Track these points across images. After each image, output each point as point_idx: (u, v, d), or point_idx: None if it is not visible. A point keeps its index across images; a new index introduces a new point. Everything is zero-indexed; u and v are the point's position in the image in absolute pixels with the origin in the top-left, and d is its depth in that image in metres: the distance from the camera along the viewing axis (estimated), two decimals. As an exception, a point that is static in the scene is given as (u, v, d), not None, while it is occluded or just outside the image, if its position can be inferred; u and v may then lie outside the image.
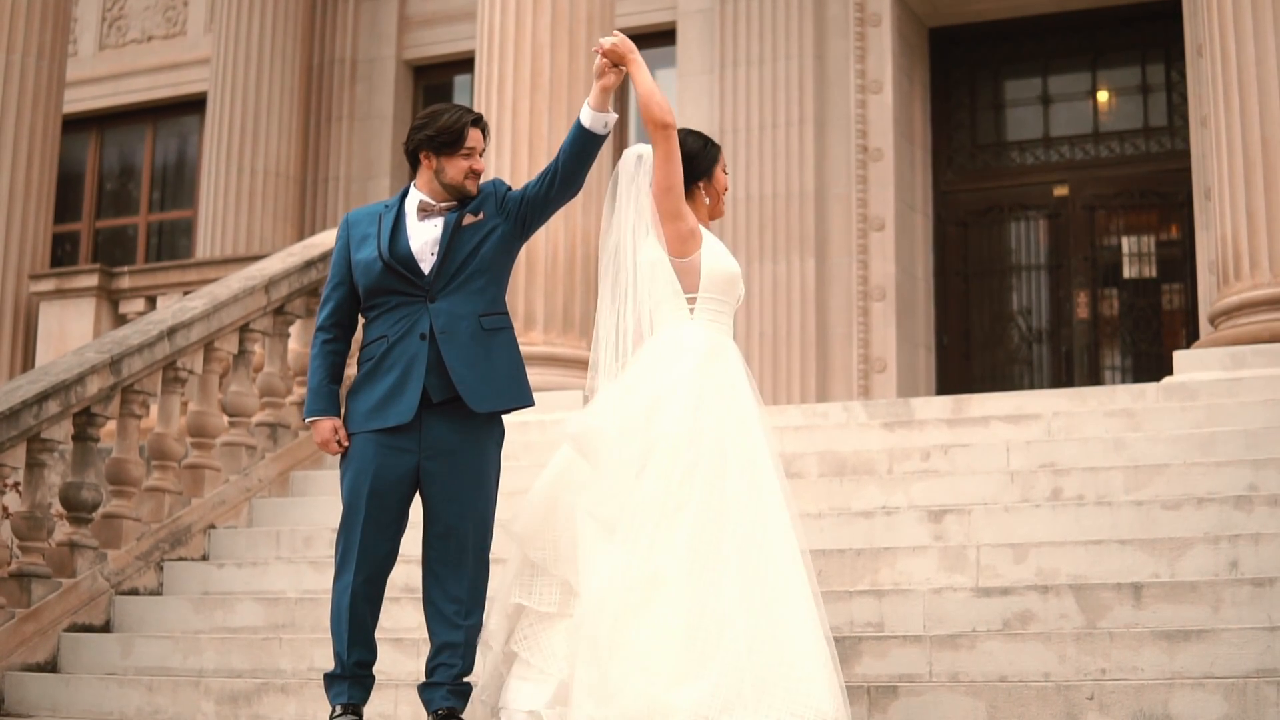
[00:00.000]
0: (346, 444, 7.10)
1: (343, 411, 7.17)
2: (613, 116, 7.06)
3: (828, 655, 6.31)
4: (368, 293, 7.11)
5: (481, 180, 7.23)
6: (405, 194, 7.24)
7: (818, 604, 6.44)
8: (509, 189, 7.23)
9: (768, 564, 6.42)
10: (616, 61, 7.01)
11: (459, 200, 7.13)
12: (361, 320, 7.31)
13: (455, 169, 7.11)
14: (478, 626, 7.04)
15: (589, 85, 13.20)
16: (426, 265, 7.03)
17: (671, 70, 18.11)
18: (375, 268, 7.05)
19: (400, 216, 7.14)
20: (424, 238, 7.07)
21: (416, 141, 7.16)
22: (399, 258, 7.03)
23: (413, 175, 7.28)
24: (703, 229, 6.96)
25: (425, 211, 7.12)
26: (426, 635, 7.19)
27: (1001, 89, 18.20)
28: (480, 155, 7.17)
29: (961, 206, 17.77)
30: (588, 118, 7.01)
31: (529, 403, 7.26)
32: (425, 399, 6.96)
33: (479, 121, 7.20)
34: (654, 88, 6.97)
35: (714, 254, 6.88)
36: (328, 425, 7.10)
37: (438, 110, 7.22)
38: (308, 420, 7.18)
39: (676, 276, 6.88)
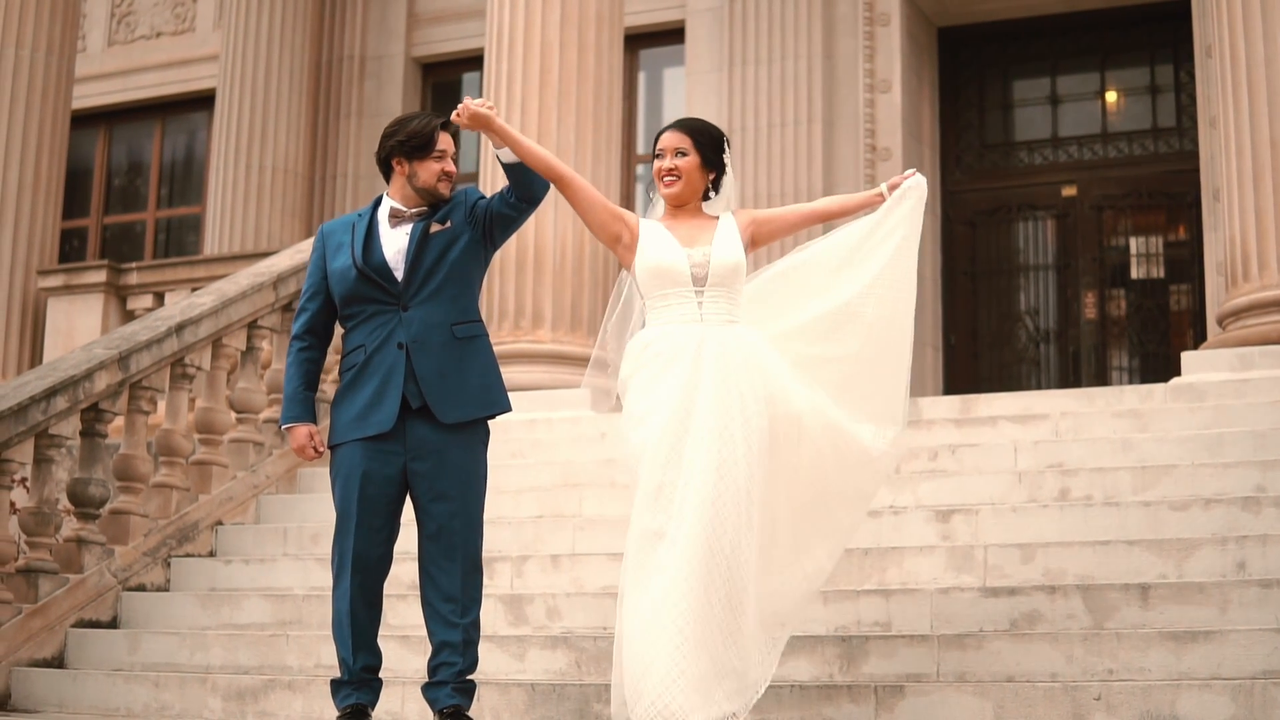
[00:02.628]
0: (322, 450, 7.20)
1: (327, 421, 7.25)
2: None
3: (628, 657, 6.50)
4: (344, 301, 7.16)
5: (456, 185, 7.28)
6: (378, 203, 7.31)
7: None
8: (480, 198, 7.28)
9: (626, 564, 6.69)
10: (475, 130, 7.07)
11: (433, 204, 7.18)
12: (339, 330, 7.35)
13: (428, 172, 7.16)
14: (475, 624, 7.11)
15: (598, 83, 13.38)
16: (400, 273, 7.09)
17: (680, 69, 18.12)
18: (350, 276, 7.11)
19: (373, 224, 7.20)
20: (396, 245, 7.13)
21: (388, 149, 7.23)
22: (373, 266, 7.08)
23: (387, 184, 7.32)
24: (650, 226, 6.99)
25: (397, 218, 7.18)
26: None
27: (1010, 89, 18.19)
28: (451, 158, 7.21)
29: (969, 206, 17.77)
30: (500, 153, 7.07)
31: (503, 409, 7.27)
32: (405, 404, 7.02)
33: (448, 125, 7.26)
34: (530, 152, 7.04)
35: (640, 258, 6.94)
36: (303, 431, 7.19)
37: (406, 117, 7.32)
38: (284, 427, 7.26)
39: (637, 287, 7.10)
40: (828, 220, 7.39)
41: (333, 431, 7.15)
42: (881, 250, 7.12)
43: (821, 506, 7.04)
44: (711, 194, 7.13)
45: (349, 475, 7.04)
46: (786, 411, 6.77)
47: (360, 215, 7.28)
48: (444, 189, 7.18)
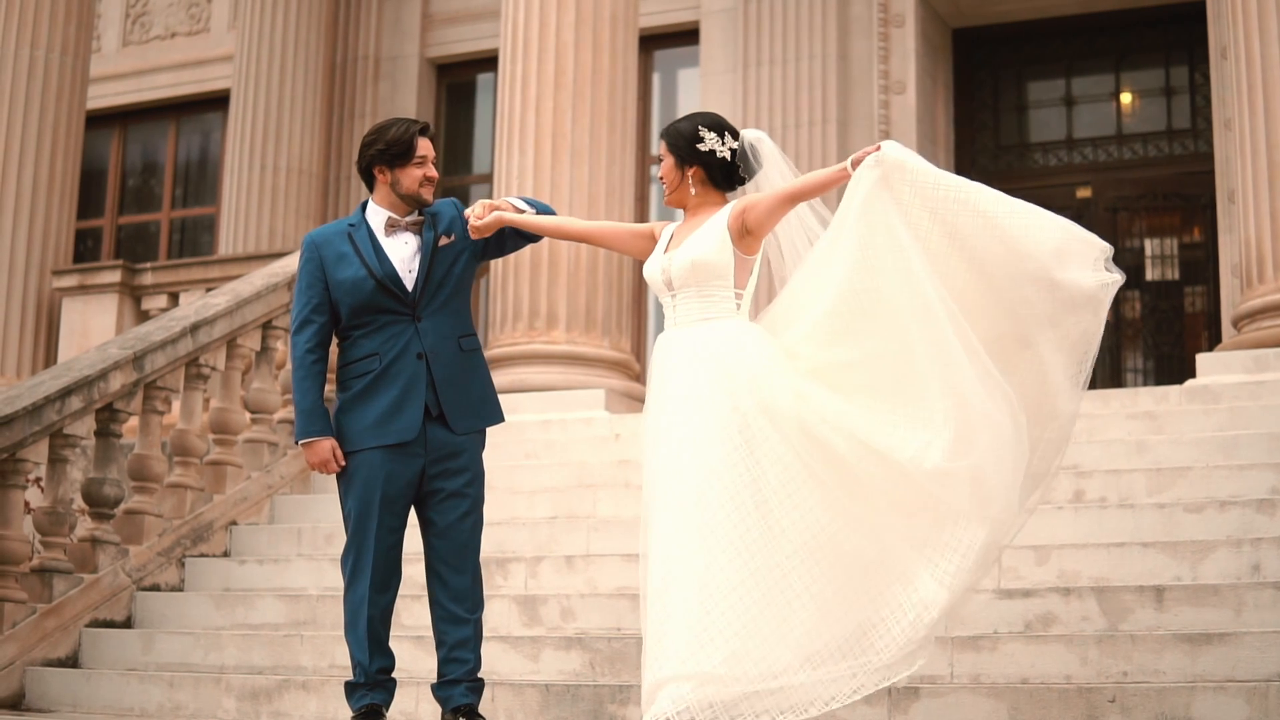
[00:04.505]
0: (344, 464, 7.12)
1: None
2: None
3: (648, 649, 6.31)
4: (355, 311, 7.12)
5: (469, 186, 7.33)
6: (364, 211, 7.30)
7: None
8: None
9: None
10: (489, 234, 7.25)
11: (418, 209, 7.21)
12: (337, 339, 7.33)
13: (410, 179, 7.18)
14: (481, 622, 7.17)
15: (612, 84, 13.38)
16: (409, 282, 7.11)
17: (694, 70, 18.12)
18: (366, 286, 7.09)
19: (371, 234, 7.18)
20: (399, 254, 7.15)
21: (368, 158, 7.24)
22: (388, 275, 7.08)
23: (370, 192, 7.34)
24: (664, 232, 6.92)
25: (393, 227, 7.18)
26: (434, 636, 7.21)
27: (1025, 90, 18.18)
28: (432, 163, 7.24)
29: (984, 208, 17.72)
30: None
31: (500, 420, 7.37)
32: (425, 412, 7.06)
33: (426, 130, 7.29)
34: (545, 228, 7.27)
35: None
36: (327, 445, 7.10)
37: (385, 125, 7.30)
38: (303, 441, 7.13)
39: None
40: (800, 200, 6.71)
41: (343, 438, 7.13)
42: (843, 248, 6.54)
43: (896, 519, 6.39)
44: (717, 184, 6.84)
45: (368, 479, 7.03)
46: (760, 403, 6.37)
47: (352, 224, 7.25)
48: (426, 194, 7.22)
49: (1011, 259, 6.50)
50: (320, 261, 7.18)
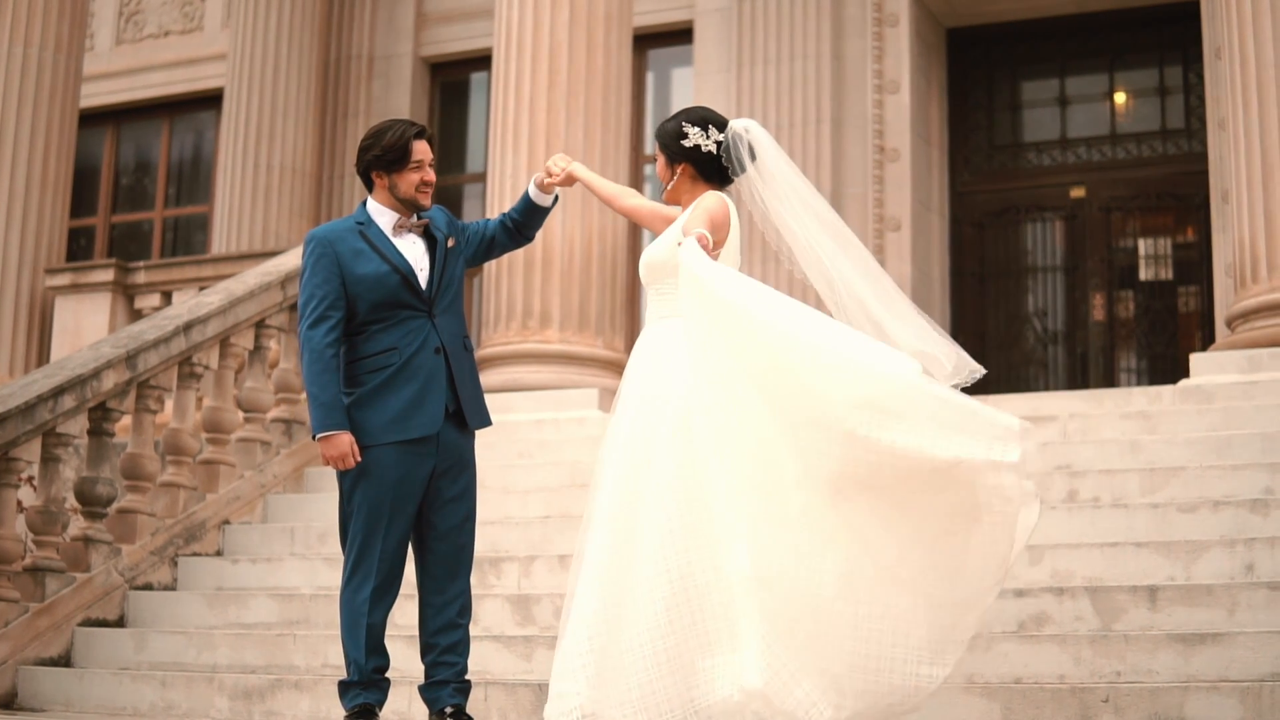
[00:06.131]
0: (360, 459, 7.04)
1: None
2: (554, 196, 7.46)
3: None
4: (374, 306, 7.09)
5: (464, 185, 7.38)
6: (367, 210, 7.28)
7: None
8: (466, 225, 7.46)
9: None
10: (566, 185, 7.28)
11: (415, 214, 7.22)
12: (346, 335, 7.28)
13: (406, 183, 7.19)
14: (469, 626, 7.18)
15: (606, 84, 13.36)
16: (423, 280, 7.14)
17: (688, 69, 18.10)
18: (390, 281, 7.07)
19: (382, 232, 7.17)
20: (410, 253, 7.18)
21: (366, 162, 7.25)
22: (409, 271, 7.09)
23: (369, 193, 7.34)
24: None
25: (401, 228, 7.18)
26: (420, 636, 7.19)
27: (1019, 90, 18.17)
28: (430, 166, 7.24)
29: (978, 207, 17.74)
30: (534, 195, 7.39)
31: (491, 423, 7.41)
32: (444, 409, 7.06)
33: (423, 134, 7.27)
34: (610, 193, 7.21)
35: None
36: (346, 439, 6.99)
37: (381, 128, 7.29)
38: (323, 435, 6.98)
39: None
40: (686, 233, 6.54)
41: (358, 433, 7.04)
42: None
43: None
44: (708, 179, 6.76)
45: (382, 478, 6.99)
46: (669, 418, 6.24)
47: (360, 223, 7.21)
48: (423, 199, 7.22)
49: (798, 394, 5.91)
50: (335, 257, 7.13)
